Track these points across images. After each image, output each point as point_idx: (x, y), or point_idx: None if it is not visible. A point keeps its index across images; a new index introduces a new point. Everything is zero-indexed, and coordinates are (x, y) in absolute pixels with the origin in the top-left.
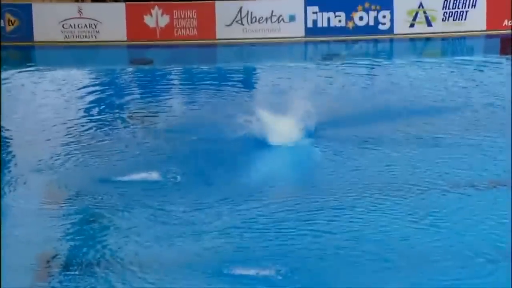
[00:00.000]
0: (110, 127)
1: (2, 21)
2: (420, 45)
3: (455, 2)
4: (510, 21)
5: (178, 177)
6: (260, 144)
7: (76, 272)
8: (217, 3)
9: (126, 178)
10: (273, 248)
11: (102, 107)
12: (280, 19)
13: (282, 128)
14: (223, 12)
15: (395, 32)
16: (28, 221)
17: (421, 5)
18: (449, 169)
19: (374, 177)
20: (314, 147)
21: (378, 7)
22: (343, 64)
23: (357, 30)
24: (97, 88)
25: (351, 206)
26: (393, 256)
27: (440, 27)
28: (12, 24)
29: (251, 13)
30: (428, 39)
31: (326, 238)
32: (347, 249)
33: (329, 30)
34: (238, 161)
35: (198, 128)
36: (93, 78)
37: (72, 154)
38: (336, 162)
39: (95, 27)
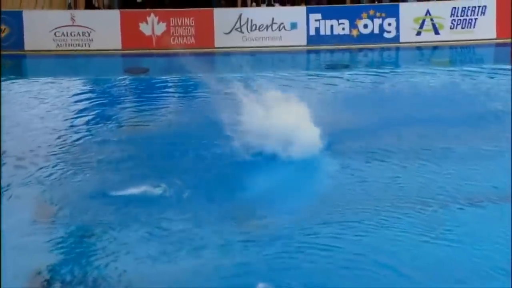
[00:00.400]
0: (104, 139)
1: None
2: (427, 53)
3: (463, 9)
4: None
5: (176, 192)
6: (263, 157)
7: None
8: (215, 10)
9: (120, 192)
10: (277, 264)
11: (96, 118)
12: (281, 26)
13: (285, 140)
14: (222, 20)
15: (401, 40)
16: (15, 237)
17: (428, 12)
18: (462, 182)
19: (383, 190)
20: (320, 159)
21: (383, 15)
22: (348, 73)
23: (362, 38)
24: (90, 98)
25: (360, 220)
26: (406, 272)
27: (448, 35)
28: (2, 32)
29: (251, 20)
30: (435, 47)
31: (333, 252)
32: (357, 262)
33: (332, 38)
34: (240, 174)
35: (196, 141)
36: (86, 89)
37: (62, 167)
38: (343, 175)
39: (89, 35)
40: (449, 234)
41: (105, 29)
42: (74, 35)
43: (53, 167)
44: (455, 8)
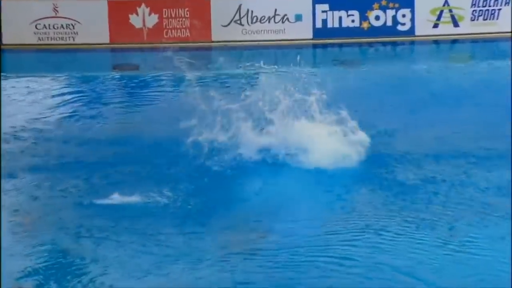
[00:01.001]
0: (91, 142)
1: None
2: (445, 48)
3: None
4: None
5: (173, 200)
6: (267, 162)
7: None
8: (213, 0)
9: (108, 200)
10: (281, 278)
11: (81, 120)
12: (285, 18)
13: (292, 143)
14: (219, 11)
15: (416, 33)
16: None
17: (446, 2)
18: (487, 187)
19: (401, 197)
20: (331, 164)
21: (396, 5)
22: (358, 70)
23: (373, 31)
24: (75, 98)
25: (375, 230)
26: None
27: (468, 27)
28: None
29: (252, 11)
30: (454, 41)
31: (345, 266)
32: (376, 272)
33: (341, 31)
34: (243, 181)
35: (195, 145)
36: (71, 87)
37: (45, 173)
38: (357, 180)
39: (73, 27)
40: (476, 244)
41: (91, 21)
42: (57, 27)
43: (30, 171)
44: None
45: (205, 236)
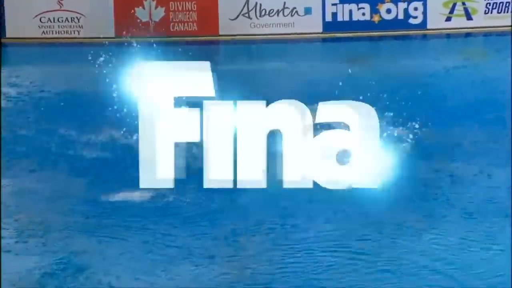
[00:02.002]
0: (95, 139)
1: None
2: (458, 42)
3: None
4: None
5: (180, 198)
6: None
7: None
8: None
9: (109, 198)
10: (292, 277)
11: (87, 116)
12: (294, 12)
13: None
14: (227, 4)
15: (428, 27)
16: None
17: None
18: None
19: (421, 194)
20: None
21: None
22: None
23: (384, 24)
24: (80, 93)
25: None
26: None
27: (482, 20)
28: None
29: (260, 5)
30: (467, 35)
31: (361, 263)
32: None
33: (351, 24)
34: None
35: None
36: (75, 82)
37: (48, 170)
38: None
39: (78, 21)
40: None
41: (96, 14)
42: (62, 21)
43: (38, 170)
44: None
45: (216, 237)
